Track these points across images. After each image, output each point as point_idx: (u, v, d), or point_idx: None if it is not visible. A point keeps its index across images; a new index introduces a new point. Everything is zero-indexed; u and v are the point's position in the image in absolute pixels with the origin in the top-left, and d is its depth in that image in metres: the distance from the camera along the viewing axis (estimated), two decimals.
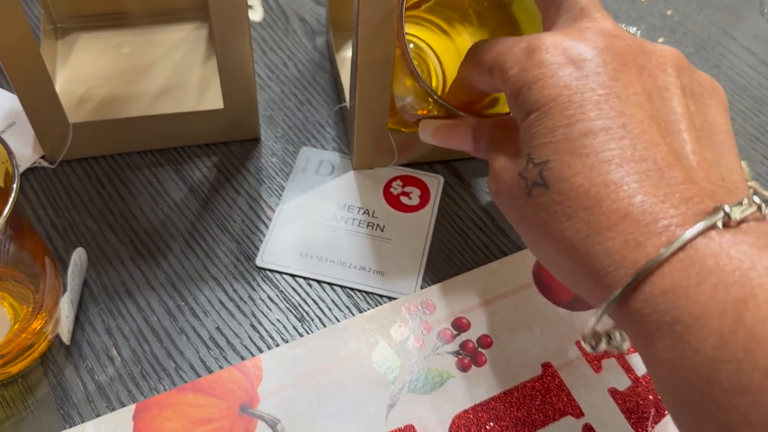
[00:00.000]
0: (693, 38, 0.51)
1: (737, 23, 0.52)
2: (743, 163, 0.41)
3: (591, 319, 0.24)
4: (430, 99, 0.35)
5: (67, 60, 0.45)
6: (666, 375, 0.21)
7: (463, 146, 0.33)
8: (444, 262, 0.37)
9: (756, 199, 0.22)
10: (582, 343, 0.26)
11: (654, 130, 0.24)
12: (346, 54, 0.45)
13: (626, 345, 0.26)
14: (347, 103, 0.41)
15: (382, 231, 0.38)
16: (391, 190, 0.40)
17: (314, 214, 0.39)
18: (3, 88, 0.44)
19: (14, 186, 0.27)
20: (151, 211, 0.39)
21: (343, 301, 0.36)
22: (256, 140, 0.42)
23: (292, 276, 0.37)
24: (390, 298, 0.36)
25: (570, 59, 0.25)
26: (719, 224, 0.21)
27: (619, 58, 0.25)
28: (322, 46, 0.48)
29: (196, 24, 0.48)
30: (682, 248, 0.21)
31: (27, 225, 0.31)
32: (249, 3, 0.50)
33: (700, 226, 0.21)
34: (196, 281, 0.36)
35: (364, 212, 0.39)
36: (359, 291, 0.36)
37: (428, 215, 0.39)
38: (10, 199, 0.27)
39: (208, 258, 0.37)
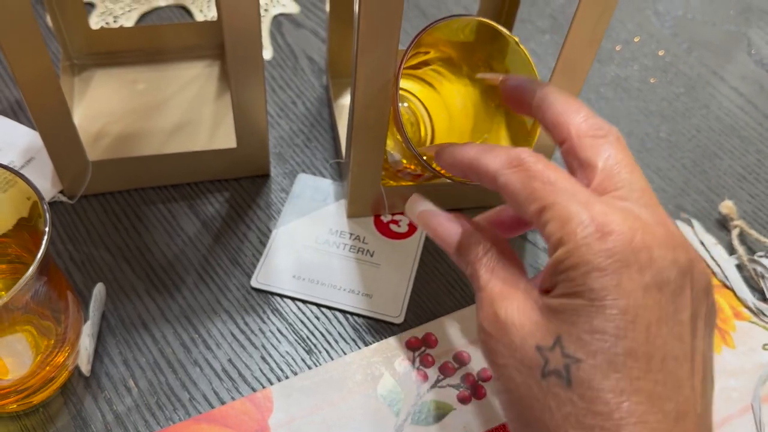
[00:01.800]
0: (683, 78, 0.53)
1: (726, 64, 0.55)
2: (730, 203, 0.44)
3: None
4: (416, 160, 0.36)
5: (83, 96, 0.47)
6: None
7: (444, 246, 0.30)
8: (430, 288, 0.39)
9: None
10: None
11: (685, 368, 0.23)
12: (343, 101, 0.47)
13: None
14: (342, 159, 0.43)
15: (371, 256, 0.41)
16: (382, 217, 0.42)
17: (307, 238, 0.41)
18: (22, 123, 0.45)
19: (46, 230, 0.29)
20: (165, 245, 0.40)
21: (349, 334, 0.38)
22: (266, 176, 0.44)
23: (284, 297, 0.39)
24: (377, 321, 0.38)
25: (654, 279, 0.23)
26: None
27: (680, 277, 0.23)
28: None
29: (208, 62, 0.50)
30: None
31: (53, 264, 0.32)
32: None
33: None
34: (209, 314, 0.38)
35: (355, 238, 0.41)
36: (352, 314, 0.38)
37: (416, 243, 0.42)
38: (43, 244, 0.28)
39: (221, 291, 0.39)
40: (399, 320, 0.38)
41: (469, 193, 0.42)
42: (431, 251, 0.41)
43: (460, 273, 0.40)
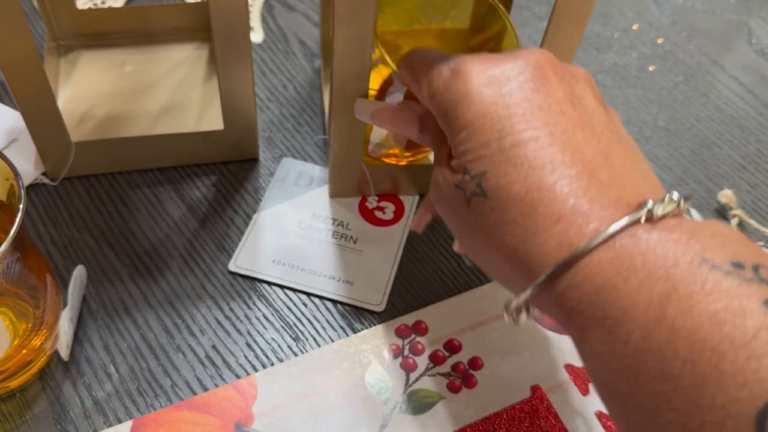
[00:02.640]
0: (683, 67, 0.52)
1: (726, 53, 0.54)
2: (729, 192, 0.43)
3: (514, 300, 0.25)
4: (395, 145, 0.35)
5: (69, 77, 0.46)
6: (598, 367, 0.22)
7: (407, 131, 0.33)
8: (421, 275, 0.38)
9: (675, 195, 0.23)
10: (504, 315, 0.26)
11: (579, 136, 0.25)
12: None
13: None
14: (327, 135, 0.42)
15: (354, 243, 0.40)
16: (367, 204, 0.41)
17: (289, 223, 0.40)
18: (6, 104, 0.44)
19: (21, 207, 0.28)
20: (150, 230, 0.39)
21: (337, 321, 0.37)
22: (254, 160, 0.43)
23: (263, 282, 0.38)
24: (357, 308, 0.37)
25: (493, 79, 0.26)
26: (642, 219, 0.22)
27: (538, 71, 0.26)
28: (321, 68, 0.49)
29: (197, 44, 0.48)
30: (611, 246, 0.22)
31: (30, 244, 0.31)
32: (250, 25, 0.51)
33: (624, 221, 0.22)
34: (193, 299, 0.37)
35: (339, 224, 0.40)
36: (332, 301, 0.37)
37: (401, 230, 0.40)
38: (16, 221, 0.27)
39: (206, 277, 0.38)
40: (380, 308, 0.37)
41: None
42: (421, 238, 0.40)
43: (451, 261, 0.39)
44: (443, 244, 0.40)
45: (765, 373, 0.18)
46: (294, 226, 0.40)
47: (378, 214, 0.41)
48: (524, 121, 0.25)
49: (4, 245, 0.27)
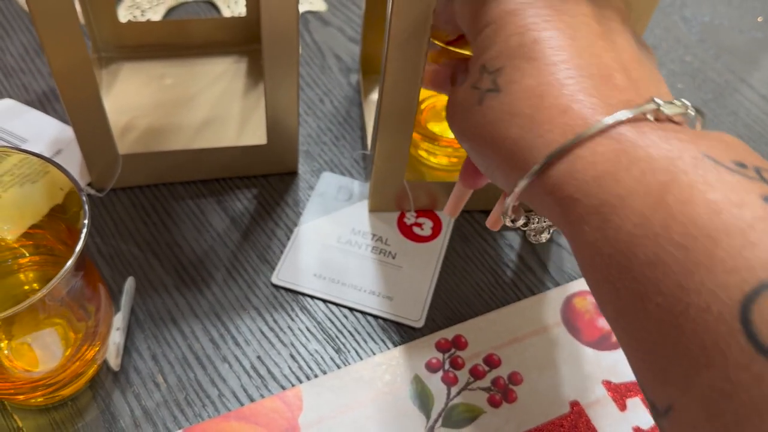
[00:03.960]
0: (711, 85, 0.53)
1: (753, 71, 0.54)
2: None
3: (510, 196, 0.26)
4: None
5: (111, 89, 0.47)
6: (590, 256, 0.22)
7: (444, 85, 0.33)
8: (459, 290, 0.39)
9: (686, 102, 0.23)
10: (502, 217, 0.27)
11: (599, 45, 0.25)
12: (374, 98, 0.47)
13: (544, 236, 0.29)
14: (369, 150, 0.43)
15: (393, 258, 0.40)
16: (405, 220, 0.42)
17: (330, 237, 0.41)
18: (50, 115, 0.45)
19: (85, 222, 0.29)
20: (194, 241, 0.40)
21: (378, 335, 0.37)
22: (293, 174, 0.44)
23: (304, 295, 0.38)
24: (396, 324, 0.38)
25: None
26: (650, 117, 0.23)
27: None
28: (357, 83, 0.49)
29: (235, 58, 0.49)
30: (614, 136, 0.22)
31: (88, 258, 0.32)
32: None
33: (629, 113, 0.22)
34: (237, 310, 0.38)
35: (378, 239, 0.41)
36: (372, 316, 0.38)
37: (439, 246, 0.41)
38: (81, 239, 0.28)
39: (249, 288, 0.39)
40: (419, 324, 0.38)
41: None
42: (459, 254, 0.41)
43: (488, 276, 0.40)
44: (480, 260, 0.41)
45: (756, 261, 0.18)
46: (334, 240, 0.41)
47: (416, 230, 0.42)
48: (547, 21, 0.25)
49: (69, 263, 0.28)
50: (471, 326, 0.38)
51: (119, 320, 0.35)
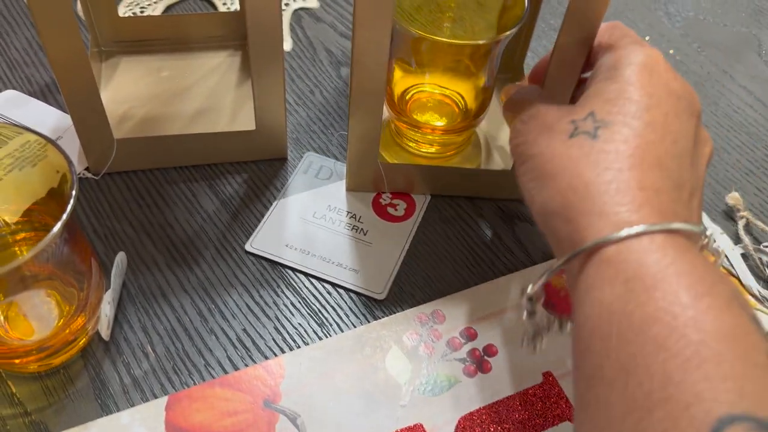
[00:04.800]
0: (693, 76, 0.54)
1: (736, 63, 0.56)
2: (737, 194, 0.44)
3: (546, 272, 0.29)
4: None
5: (110, 81, 0.49)
6: (599, 315, 0.25)
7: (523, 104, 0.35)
8: (431, 269, 0.41)
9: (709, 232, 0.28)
10: (522, 300, 0.30)
11: (686, 161, 0.28)
12: None
13: (538, 343, 0.32)
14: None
15: (365, 235, 0.42)
16: (380, 200, 0.44)
17: (306, 212, 0.43)
18: (51, 105, 0.47)
19: (73, 192, 0.30)
20: (186, 222, 0.42)
21: (359, 309, 0.39)
22: (283, 159, 0.46)
23: (275, 263, 0.40)
24: (358, 294, 0.39)
25: (675, 87, 0.30)
26: (700, 242, 0.26)
27: (688, 96, 0.30)
28: (347, 75, 0.51)
29: (230, 51, 0.51)
30: (665, 234, 0.25)
31: (78, 229, 0.34)
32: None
33: (670, 225, 0.25)
34: (225, 286, 0.39)
35: (351, 216, 0.43)
36: (336, 286, 0.40)
37: (410, 226, 0.43)
38: (68, 207, 0.30)
39: (237, 266, 0.40)
40: (381, 296, 0.39)
41: (482, 180, 0.44)
42: (439, 233, 0.42)
43: (467, 254, 0.41)
44: (459, 240, 0.42)
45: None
46: (310, 215, 0.43)
47: (390, 210, 0.43)
48: (658, 106, 0.28)
49: (58, 225, 0.29)
50: (449, 301, 0.39)
51: (110, 293, 0.37)
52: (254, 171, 0.45)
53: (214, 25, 0.51)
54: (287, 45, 0.53)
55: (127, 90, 0.48)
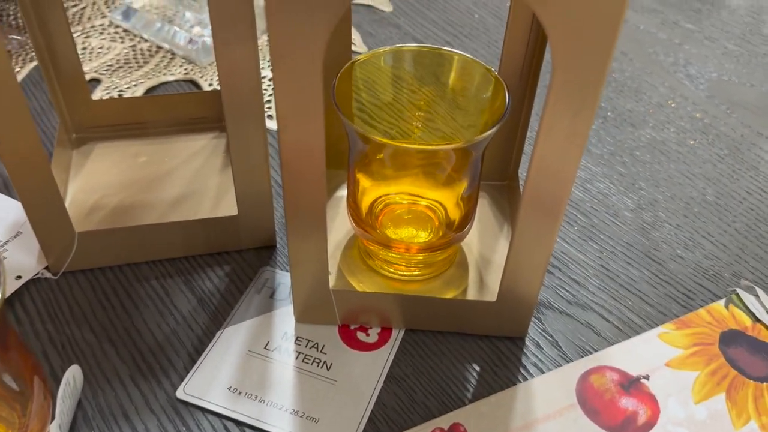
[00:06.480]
0: (726, 140, 0.49)
1: None
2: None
3: None
4: None
5: (81, 169, 0.44)
6: None
7: None
8: (395, 414, 0.33)
9: None
10: None
11: None
12: (340, 193, 0.42)
13: None
14: None
15: (328, 370, 0.34)
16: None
17: (256, 344, 0.35)
18: (12, 197, 0.42)
19: None
20: (156, 325, 0.36)
21: None
22: (272, 247, 0.40)
23: (212, 413, 0.32)
24: None
25: None
26: None
27: None
28: None
29: (215, 133, 0.47)
30: None
31: (15, 340, 0.28)
32: (269, 112, 0.50)
33: None
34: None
35: (313, 346, 0.35)
36: None
37: (385, 356, 0.35)
38: None
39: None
40: None
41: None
42: (404, 368, 0.36)
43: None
44: (447, 370, 0.35)
45: None
46: (260, 347, 0.35)
47: (360, 335, 0.36)
48: None
49: None
50: (471, 412, 0.32)
51: (59, 416, 0.30)
52: (238, 262, 0.39)
53: (198, 105, 0.47)
54: (273, 123, 0.49)
55: (99, 178, 0.43)
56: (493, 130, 0.31)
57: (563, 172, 0.28)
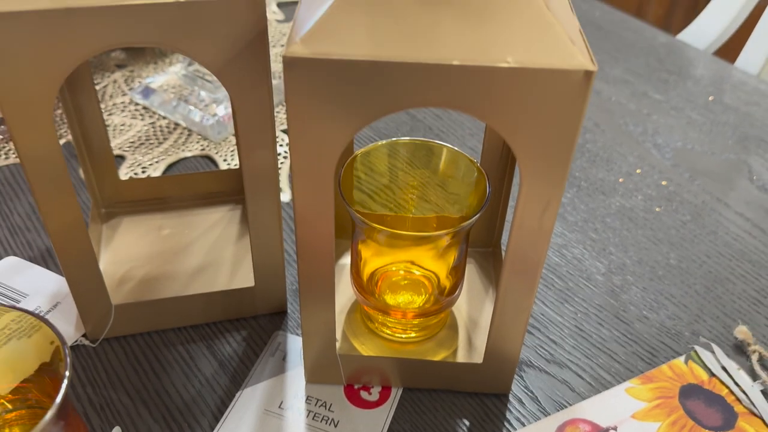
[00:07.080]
0: (689, 206, 0.55)
1: (729, 190, 0.56)
2: (745, 328, 0.43)
3: None
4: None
5: (110, 242, 0.49)
6: None
7: None
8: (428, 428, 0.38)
9: None
10: None
11: None
12: (343, 261, 0.47)
13: None
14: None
15: (335, 427, 0.38)
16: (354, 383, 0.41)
17: (271, 403, 0.39)
18: (51, 270, 0.47)
19: (66, 374, 0.29)
20: (183, 387, 0.41)
21: None
22: (283, 313, 0.45)
23: None
24: None
25: None
26: None
27: None
28: None
29: (231, 206, 0.52)
30: None
31: (72, 409, 0.33)
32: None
33: None
34: None
35: (321, 404, 0.39)
36: None
37: (385, 414, 0.39)
38: (62, 389, 0.29)
39: None
40: None
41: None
42: (412, 420, 0.41)
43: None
44: (438, 410, 0.41)
45: None
46: (275, 406, 0.39)
47: (363, 394, 0.40)
48: None
49: (49, 414, 0.28)
50: None
51: None
52: (253, 327, 0.44)
53: (215, 182, 0.52)
54: (286, 196, 0.54)
55: (127, 251, 0.49)
56: (476, 217, 0.36)
57: (538, 244, 0.33)
